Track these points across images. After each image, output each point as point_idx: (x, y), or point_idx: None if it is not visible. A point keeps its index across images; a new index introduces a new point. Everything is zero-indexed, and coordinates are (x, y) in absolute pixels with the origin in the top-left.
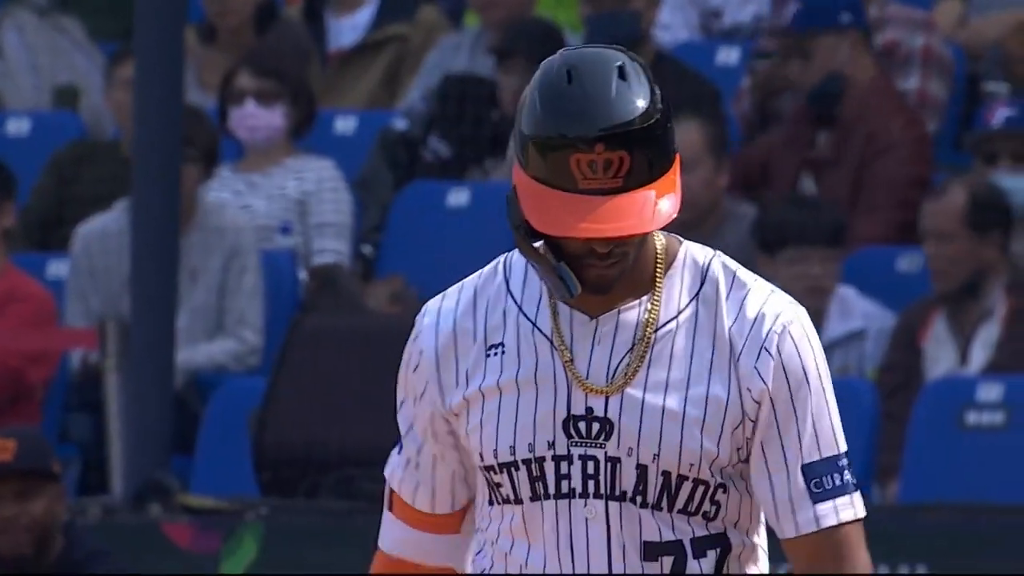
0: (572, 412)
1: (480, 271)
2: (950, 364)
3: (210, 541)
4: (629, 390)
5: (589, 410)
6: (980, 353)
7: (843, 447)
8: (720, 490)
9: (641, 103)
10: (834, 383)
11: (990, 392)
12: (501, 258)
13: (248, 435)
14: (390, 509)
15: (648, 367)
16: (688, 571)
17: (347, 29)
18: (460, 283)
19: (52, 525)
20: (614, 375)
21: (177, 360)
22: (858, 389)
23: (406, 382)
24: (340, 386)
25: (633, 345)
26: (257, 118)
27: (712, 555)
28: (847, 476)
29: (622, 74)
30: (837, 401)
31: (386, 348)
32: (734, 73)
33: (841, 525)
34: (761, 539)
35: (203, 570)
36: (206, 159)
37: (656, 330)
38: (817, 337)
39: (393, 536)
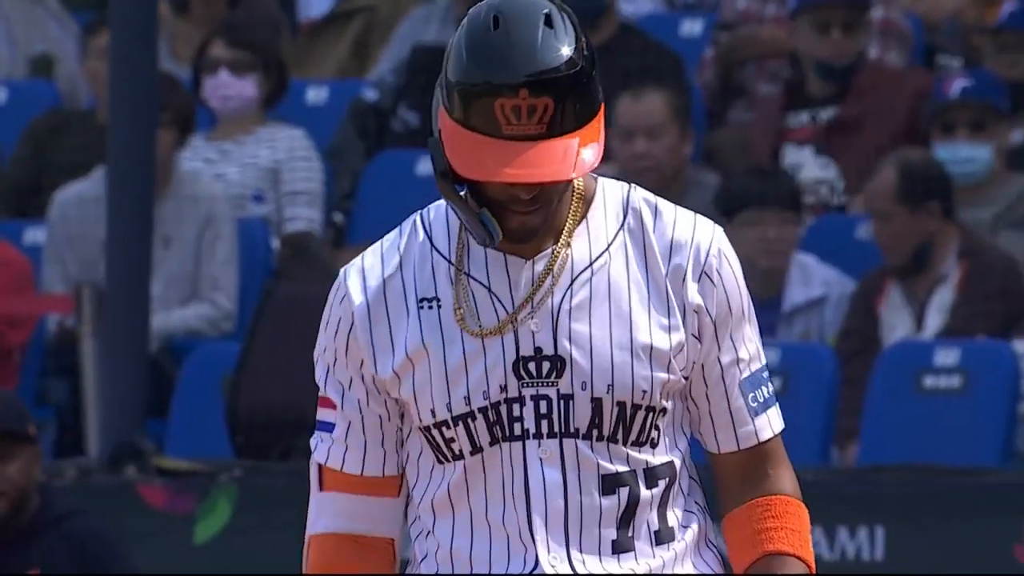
0: (521, 354)
1: (397, 230)
2: (906, 330)
3: (185, 502)
4: (575, 325)
5: (538, 350)
6: (935, 318)
7: (764, 359)
8: (661, 414)
9: (566, 51)
10: (796, 349)
11: (947, 356)
12: (416, 216)
13: (222, 399)
14: (320, 489)
15: (590, 301)
16: (640, 504)
17: (316, 0)
18: (377, 243)
19: (28, 486)
20: (558, 313)
21: (152, 325)
22: (819, 354)
23: (334, 347)
24: (311, 351)
25: (572, 281)
26: (230, 87)
27: (662, 484)
28: (771, 387)
29: (548, 21)
30: (798, 367)
31: None
32: (697, 44)
33: (774, 436)
34: (691, 465)
35: (178, 530)
36: (181, 126)
37: (590, 264)
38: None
39: (330, 512)
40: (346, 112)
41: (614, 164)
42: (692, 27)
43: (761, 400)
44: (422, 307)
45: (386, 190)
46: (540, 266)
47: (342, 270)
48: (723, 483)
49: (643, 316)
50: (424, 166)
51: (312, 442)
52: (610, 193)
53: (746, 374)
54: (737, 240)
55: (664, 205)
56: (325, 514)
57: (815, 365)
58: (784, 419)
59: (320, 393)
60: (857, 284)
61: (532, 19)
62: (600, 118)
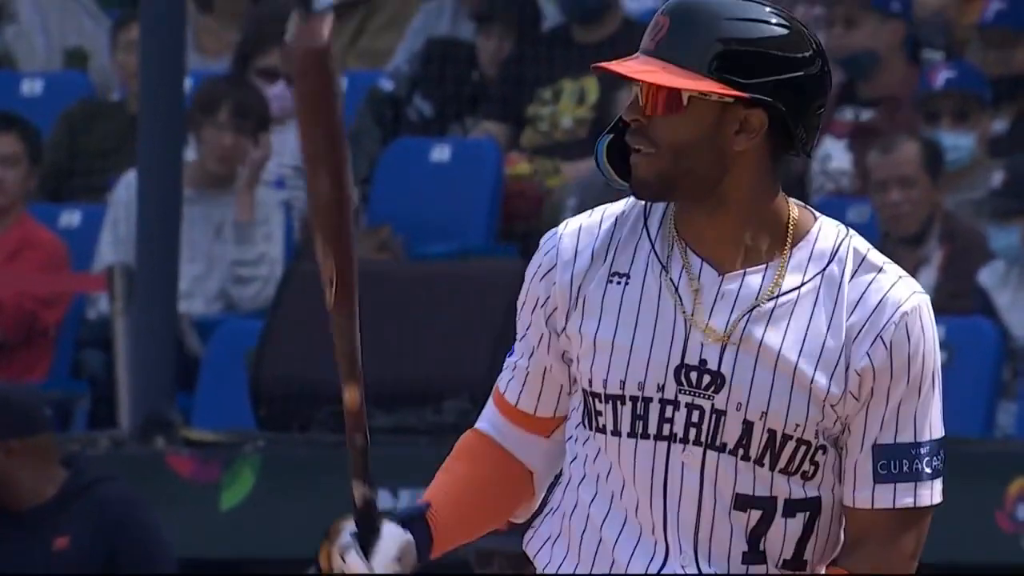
0: (686, 361)
1: (625, 200)
2: None
3: (211, 471)
4: (745, 347)
5: (703, 362)
6: None
7: (926, 436)
8: (820, 451)
9: (739, 11)
10: None
11: None
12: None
13: (246, 373)
14: (493, 400)
15: (765, 330)
16: (772, 528)
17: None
18: (602, 207)
19: (12, 477)
20: (731, 333)
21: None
22: None
23: (529, 287)
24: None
25: (754, 307)
26: (287, 99)
27: (801, 517)
28: (919, 465)
29: (772, 6)
30: None
31: (373, 291)
32: None
33: (897, 509)
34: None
35: (204, 498)
36: (253, 126)
37: (777, 296)
38: (933, 327)
39: (489, 418)
40: (364, 101)
41: None
42: None
43: (895, 471)
44: (612, 280)
45: (400, 175)
46: (730, 284)
47: (563, 222)
48: (845, 534)
49: (812, 358)
50: (437, 152)
51: (505, 364)
52: (824, 235)
53: (887, 440)
54: None
55: (873, 259)
56: (486, 418)
57: None
58: None
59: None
60: None
61: None
62: (719, 90)
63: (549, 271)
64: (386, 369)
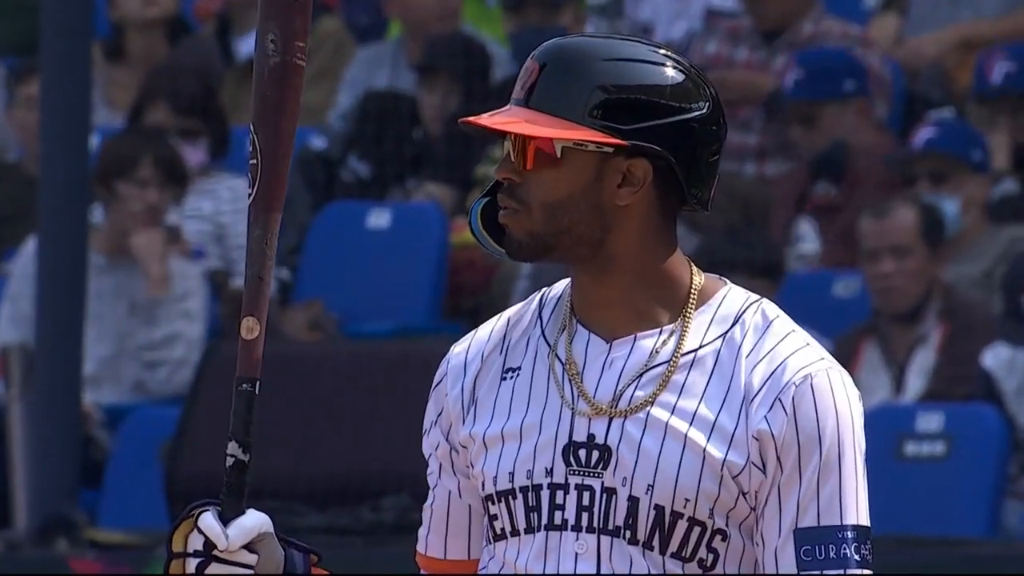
0: (574, 438)
1: (530, 298)
2: (884, 393)
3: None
4: (634, 416)
5: (591, 437)
6: (916, 381)
7: (852, 520)
8: (719, 536)
9: (617, 52)
10: None
11: (930, 421)
12: (543, 290)
13: (160, 466)
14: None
15: (655, 395)
16: None
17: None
18: (504, 312)
19: None
20: (618, 402)
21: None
22: None
23: (426, 411)
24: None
25: (644, 372)
26: (184, 153)
27: None
28: (847, 550)
29: (654, 45)
30: None
31: (302, 375)
32: None
33: None
34: None
35: None
36: (170, 181)
37: (670, 360)
38: (850, 401)
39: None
40: (293, 161)
41: None
42: None
43: (820, 557)
44: (504, 377)
45: (334, 243)
46: (619, 351)
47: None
48: None
49: (706, 424)
50: (375, 218)
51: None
52: (730, 299)
53: (809, 524)
54: None
55: (779, 325)
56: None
57: None
58: None
59: None
60: (833, 344)
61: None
62: (597, 138)
63: (439, 385)
64: (318, 463)
